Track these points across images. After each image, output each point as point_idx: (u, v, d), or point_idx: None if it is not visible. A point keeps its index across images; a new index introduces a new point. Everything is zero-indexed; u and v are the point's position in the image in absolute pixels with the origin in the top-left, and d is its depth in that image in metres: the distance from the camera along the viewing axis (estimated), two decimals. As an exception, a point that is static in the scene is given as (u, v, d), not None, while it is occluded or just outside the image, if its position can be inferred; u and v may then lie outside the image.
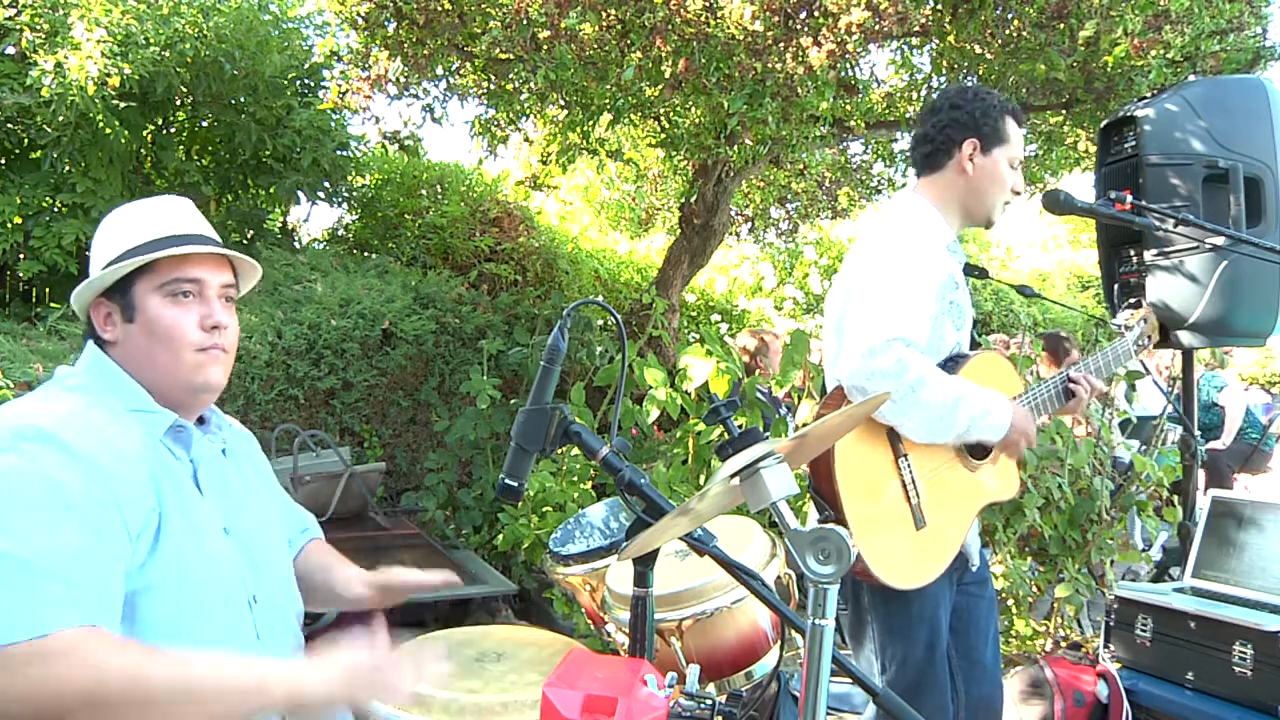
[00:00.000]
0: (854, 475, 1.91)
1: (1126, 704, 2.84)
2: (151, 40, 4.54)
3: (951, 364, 2.10)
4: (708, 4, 3.72)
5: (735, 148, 4.31)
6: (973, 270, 2.32)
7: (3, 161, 5.09)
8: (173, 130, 5.77)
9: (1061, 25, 3.80)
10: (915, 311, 1.95)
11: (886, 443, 1.97)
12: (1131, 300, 3.10)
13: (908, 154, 5.90)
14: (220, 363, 1.39)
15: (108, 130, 4.79)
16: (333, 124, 5.73)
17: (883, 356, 1.88)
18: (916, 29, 4.21)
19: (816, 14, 3.75)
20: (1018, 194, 2.20)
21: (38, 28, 4.52)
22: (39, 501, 1.14)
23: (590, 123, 5.15)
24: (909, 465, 1.98)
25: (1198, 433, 3.50)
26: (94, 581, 1.15)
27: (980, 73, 4.24)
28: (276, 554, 1.49)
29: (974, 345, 2.28)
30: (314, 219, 20.88)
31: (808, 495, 2.02)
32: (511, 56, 4.16)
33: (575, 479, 4.11)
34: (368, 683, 1.22)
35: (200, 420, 1.45)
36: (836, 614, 1.08)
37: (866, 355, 1.90)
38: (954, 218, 2.19)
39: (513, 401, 5.08)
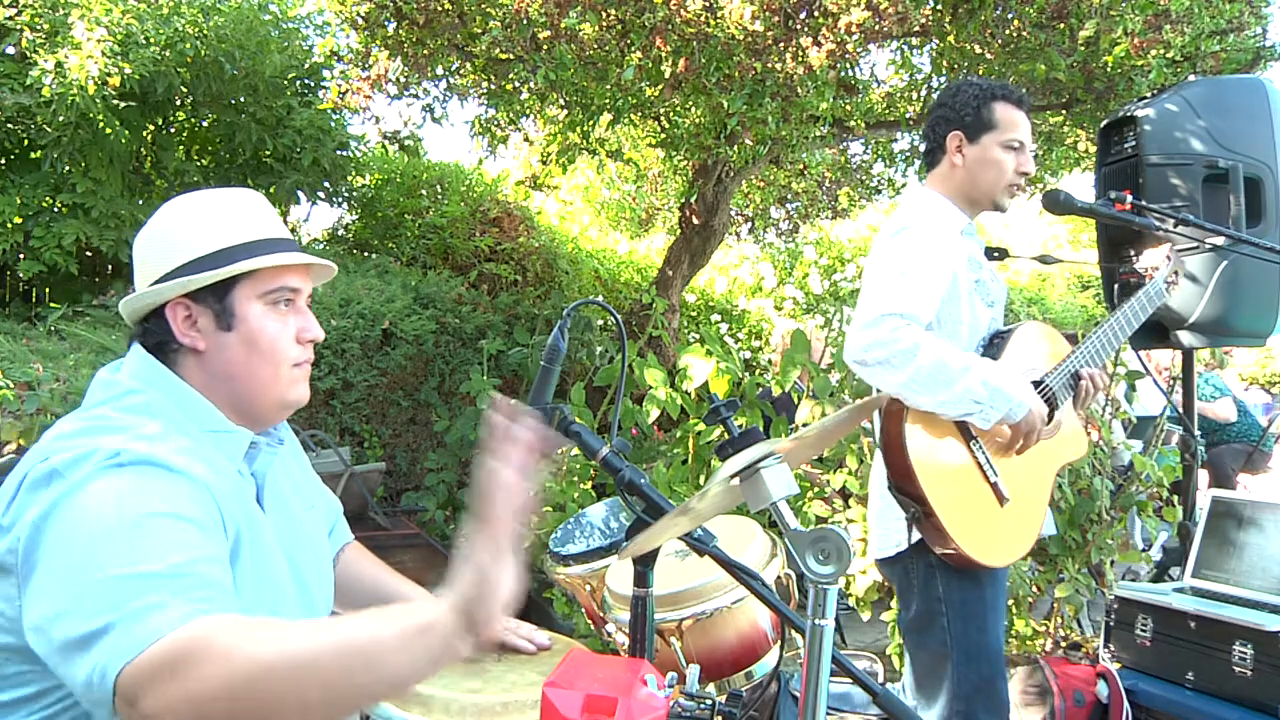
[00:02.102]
0: (931, 466, 1.96)
1: (1126, 704, 2.84)
2: (152, 40, 4.54)
3: (998, 339, 2.16)
4: (708, 4, 3.72)
5: (735, 148, 4.31)
6: (993, 253, 2.34)
7: (3, 161, 5.08)
8: (173, 130, 5.76)
9: (1061, 25, 3.80)
10: (913, 290, 1.97)
11: (956, 430, 2.02)
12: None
13: (909, 153, 5.94)
14: (308, 378, 1.36)
15: (108, 130, 4.78)
16: (333, 124, 5.73)
17: (877, 328, 1.93)
18: (916, 29, 4.21)
19: (816, 14, 3.75)
20: (1025, 174, 2.19)
21: (38, 28, 4.51)
22: (144, 520, 1.04)
23: (590, 123, 5.15)
24: (980, 447, 2.03)
25: (1198, 433, 3.50)
26: (215, 578, 1.04)
27: (980, 73, 4.24)
28: (322, 565, 1.44)
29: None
30: (314, 219, 20.83)
31: (892, 493, 2.03)
32: (511, 56, 4.16)
33: (575, 479, 4.10)
34: (501, 508, 1.03)
35: None
36: (837, 614, 1.08)
37: (860, 330, 1.96)
38: (963, 206, 2.22)
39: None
